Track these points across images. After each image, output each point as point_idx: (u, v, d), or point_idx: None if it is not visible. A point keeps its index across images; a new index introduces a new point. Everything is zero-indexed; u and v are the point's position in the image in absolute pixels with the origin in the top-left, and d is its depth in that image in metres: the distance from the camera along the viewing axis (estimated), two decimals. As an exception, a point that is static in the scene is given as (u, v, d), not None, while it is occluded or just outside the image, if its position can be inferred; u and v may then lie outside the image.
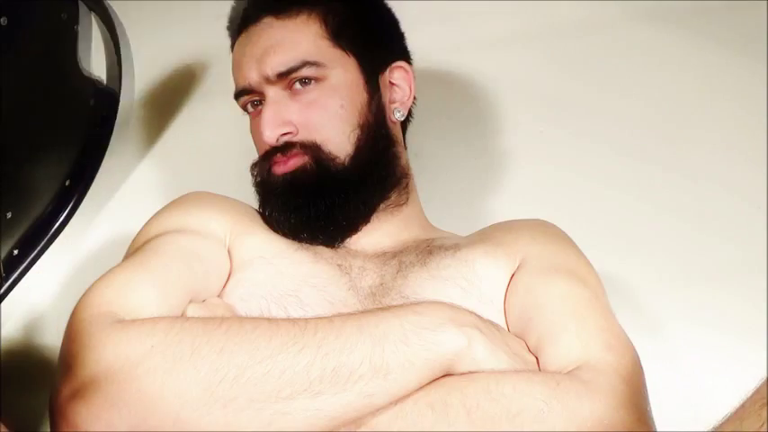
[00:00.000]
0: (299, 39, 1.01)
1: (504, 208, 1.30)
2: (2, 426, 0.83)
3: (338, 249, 1.00)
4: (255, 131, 1.04)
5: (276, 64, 1.00)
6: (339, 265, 0.96)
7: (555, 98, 1.37)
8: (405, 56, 1.12)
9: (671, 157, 1.31)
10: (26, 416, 1.13)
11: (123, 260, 0.93)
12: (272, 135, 0.99)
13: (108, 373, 0.73)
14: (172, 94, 1.42)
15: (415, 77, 1.10)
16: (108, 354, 0.74)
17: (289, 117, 1.00)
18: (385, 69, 1.07)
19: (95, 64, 1.16)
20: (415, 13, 1.23)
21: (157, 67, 1.42)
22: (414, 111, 1.12)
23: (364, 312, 0.81)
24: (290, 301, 0.89)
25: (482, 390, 0.77)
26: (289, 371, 0.73)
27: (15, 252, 1.15)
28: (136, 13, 1.28)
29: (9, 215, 1.08)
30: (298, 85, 1.00)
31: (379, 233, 1.03)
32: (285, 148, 0.99)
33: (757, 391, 0.66)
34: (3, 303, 1.15)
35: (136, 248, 0.93)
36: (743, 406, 0.66)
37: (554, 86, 1.37)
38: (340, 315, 0.80)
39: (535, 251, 0.97)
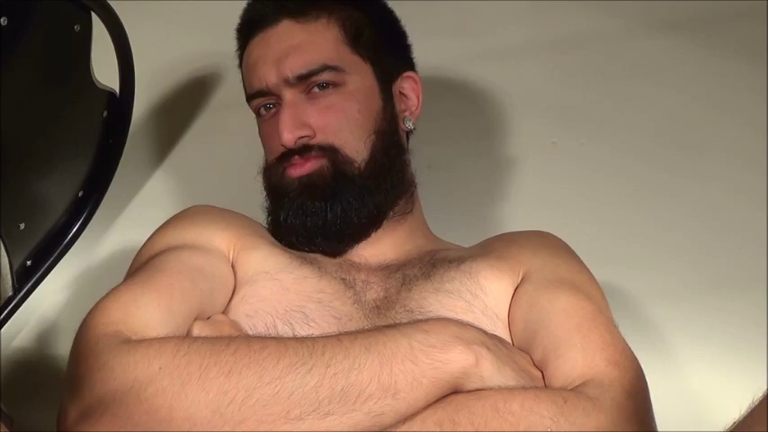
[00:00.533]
0: (320, 42, 1.01)
1: (516, 217, 1.31)
2: (2, 426, 0.84)
3: (342, 262, 0.99)
4: (268, 134, 1.04)
5: (297, 66, 1.00)
6: (343, 279, 0.96)
7: (566, 108, 1.37)
8: (413, 67, 1.12)
9: (679, 169, 1.31)
10: (39, 425, 1.14)
11: (127, 277, 0.93)
12: (290, 137, 0.98)
13: (116, 395, 0.74)
14: (184, 106, 1.42)
15: (422, 88, 1.10)
16: (116, 375, 0.75)
17: (307, 120, 1.00)
18: (396, 78, 1.08)
19: (108, 75, 1.17)
20: (429, 24, 1.23)
21: (170, 78, 1.43)
22: (424, 122, 1.13)
23: (372, 331, 0.81)
24: (296, 317, 0.89)
25: (490, 408, 0.77)
26: (297, 392, 0.73)
27: (29, 263, 1.15)
28: (149, 24, 1.29)
29: (22, 226, 1.09)
30: (316, 89, 1.01)
31: (384, 243, 1.02)
32: (302, 150, 0.99)
33: (760, 404, 0.66)
34: (16, 314, 1.15)
35: (140, 265, 0.93)
36: (750, 414, 0.66)
37: (565, 97, 1.38)
38: (348, 334, 0.80)
39: (538, 264, 0.97)
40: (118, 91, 1.19)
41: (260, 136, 1.07)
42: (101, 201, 1.24)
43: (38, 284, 1.17)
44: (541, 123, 1.37)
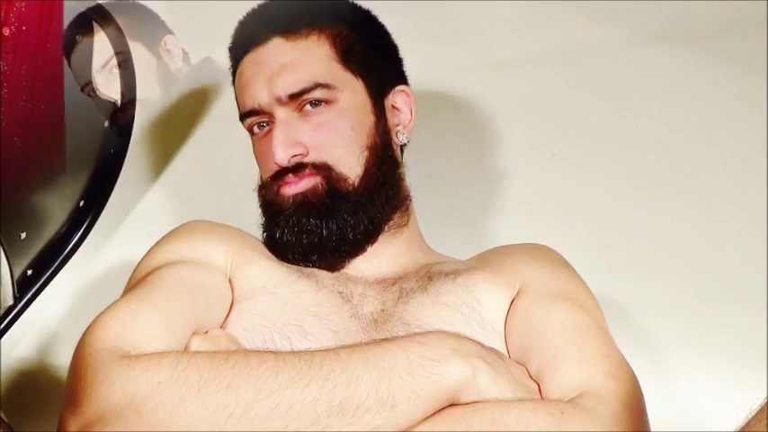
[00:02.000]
0: (311, 60, 1.01)
1: (513, 228, 1.31)
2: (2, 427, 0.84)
3: (338, 276, 0.99)
4: (262, 153, 1.03)
5: (288, 85, 0.99)
6: (340, 293, 0.96)
7: (565, 119, 1.37)
8: (405, 80, 1.12)
9: (678, 180, 1.32)
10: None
11: (125, 292, 0.93)
12: (284, 155, 0.98)
13: (116, 410, 0.74)
14: (184, 118, 1.42)
15: (415, 101, 1.10)
16: (115, 390, 0.75)
17: (300, 138, 0.99)
18: (389, 93, 1.07)
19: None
20: (427, 36, 1.23)
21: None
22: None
23: (369, 344, 0.81)
24: (294, 331, 0.89)
25: (487, 420, 0.77)
26: (296, 406, 0.74)
27: (29, 272, 1.16)
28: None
29: (23, 235, 1.09)
30: (308, 107, 1.00)
31: (380, 257, 1.02)
32: (296, 168, 0.99)
33: (761, 411, 0.66)
34: (17, 323, 1.15)
35: (138, 280, 0.93)
36: (747, 424, 0.67)
37: (564, 107, 1.38)
38: (345, 347, 0.80)
39: (534, 277, 0.97)
40: (119, 101, 1.19)
41: (254, 154, 1.07)
42: (102, 210, 1.24)
43: (38, 294, 1.17)
44: (540, 134, 1.37)
